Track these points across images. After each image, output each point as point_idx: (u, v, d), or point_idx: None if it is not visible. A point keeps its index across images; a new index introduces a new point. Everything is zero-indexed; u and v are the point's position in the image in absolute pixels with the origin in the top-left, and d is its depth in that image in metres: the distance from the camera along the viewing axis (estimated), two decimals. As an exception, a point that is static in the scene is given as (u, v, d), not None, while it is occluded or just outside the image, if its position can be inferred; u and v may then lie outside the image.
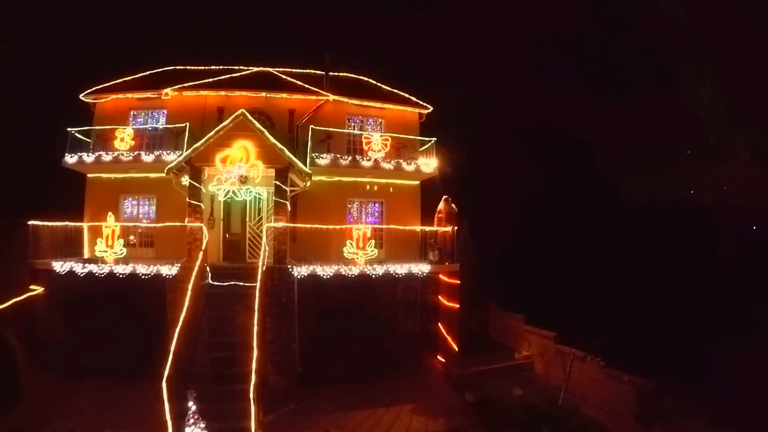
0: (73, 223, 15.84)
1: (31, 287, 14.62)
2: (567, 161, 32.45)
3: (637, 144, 43.07)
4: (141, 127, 17.68)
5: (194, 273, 12.97)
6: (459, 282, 15.38)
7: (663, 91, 41.88)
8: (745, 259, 27.19)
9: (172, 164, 14.46)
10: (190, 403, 9.57)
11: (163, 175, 16.19)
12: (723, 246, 29.27)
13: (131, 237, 16.63)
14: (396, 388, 13.75)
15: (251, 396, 10.39)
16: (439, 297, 15.84)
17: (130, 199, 17.71)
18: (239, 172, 13.98)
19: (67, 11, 29.69)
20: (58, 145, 18.33)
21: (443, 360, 15.41)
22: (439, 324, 15.72)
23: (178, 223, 14.61)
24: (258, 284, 12.68)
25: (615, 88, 43.42)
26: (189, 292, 12.44)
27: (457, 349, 15.15)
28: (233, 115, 14.28)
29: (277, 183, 14.39)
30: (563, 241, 27.30)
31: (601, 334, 14.46)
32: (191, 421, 9.51)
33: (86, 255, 16.23)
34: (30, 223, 14.96)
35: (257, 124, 14.35)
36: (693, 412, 12.14)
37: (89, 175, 17.48)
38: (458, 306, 15.29)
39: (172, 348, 11.22)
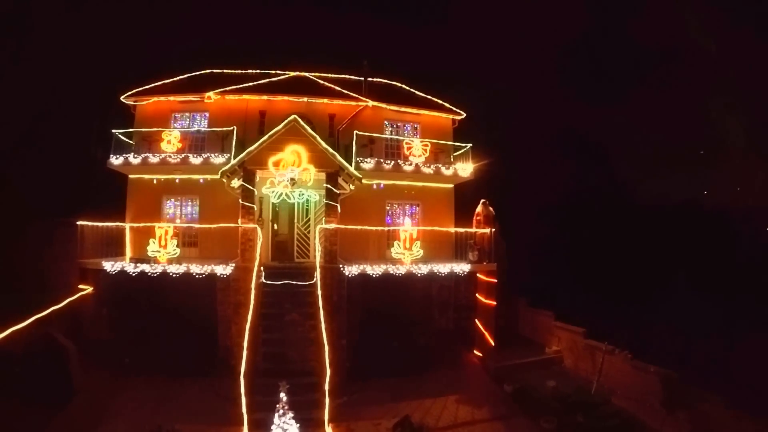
0: (125, 224, 16.70)
1: (80, 286, 15.28)
2: (587, 164, 33.93)
3: (650, 145, 44.46)
4: (187, 129, 18.60)
5: (254, 272, 13.95)
6: (496, 280, 16.65)
7: (676, 92, 43.28)
8: (764, 259, 28.36)
9: (225, 167, 15.47)
10: (282, 395, 10.36)
11: (208, 176, 17.48)
12: (742, 247, 30.44)
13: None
14: (438, 381, 14.97)
15: (326, 388, 11.50)
16: (477, 295, 17.20)
17: (172, 199, 18.63)
18: (291, 176, 14.94)
19: (98, 15, 30.03)
20: (93, 145, 18.98)
21: (480, 354, 16.82)
22: (477, 320, 17.13)
23: (231, 224, 15.49)
24: (319, 283, 13.72)
25: (627, 89, 44.74)
26: (252, 291, 13.53)
27: (493, 344, 16.35)
28: (285, 121, 15.34)
29: (328, 186, 15.55)
30: (588, 241, 28.80)
31: (627, 328, 15.69)
32: (281, 411, 10.31)
33: (128, 255, 16.99)
34: (78, 223, 15.64)
35: (309, 130, 15.45)
36: (713, 399, 13.04)
37: (131, 176, 18.38)
38: (495, 303, 16.55)
39: (245, 344, 12.19)
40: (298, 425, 10.41)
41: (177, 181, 18.14)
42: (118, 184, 18.72)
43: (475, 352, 17.05)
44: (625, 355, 14.94)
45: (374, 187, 18.89)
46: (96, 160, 19.04)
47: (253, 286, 13.66)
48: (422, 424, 11.55)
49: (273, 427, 10.23)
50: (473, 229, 17.40)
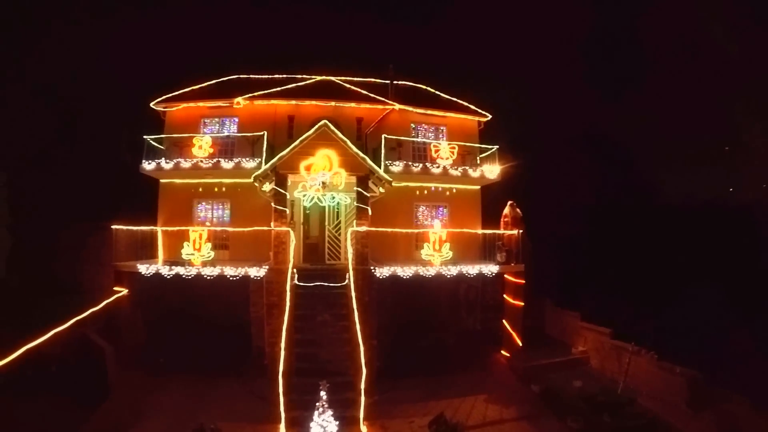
0: (158, 228, 17.37)
1: (115, 288, 16.03)
2: (611, 163, 34.35)
3: (674, 143, 44.38)
4: (218, 134, 19.40)
5: (289, 274, 14.69)
6: (523, 281, 17.34)
7: (700, 86, 43.16)
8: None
9: (258, 172, 16.26)
10: (322, 393, 11.02)
11: (238, 180, 18.03)
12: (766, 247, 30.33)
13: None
14: (467, 381, 15.60)
15: (362, 387, 12.19)
16: (505, 295, 17.90)
17: (204, 203, 19.44)
18: (323, 180, 15.68)
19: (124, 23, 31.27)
20: (123, 151, 19.79)
21: (507, 354, 17.49)
22: (504, 321, 17.80)
23: (264, 227, 16.25)
24: (352, 285, 14.43)
25: (650, 86, 44.74)
26: (288, 293, 14.26)
27: (520, 344, 16.99)
28: (316, 126, 16.08)
29: (359, 190, 16.32)
30: (613, 241, 29.32)
31: (653, 329, 16.13)
32: (321, 409, 10.96)
33: (161, 258, 17.72)
34: (113, 227, 16.40)
35: (339, 134, 16.15)
36: (739, 400, 13.32)
37: (162, 181, 19.24)
38: (522, 304, 17.24)
39: (282, 344, 12.88)
40: (337, 422, 10.98)
41: (208, 185, 19.01)
42: (149, 188, 19.60)
43: (502, 352, 17.72)
44: (651, 355, 15.35)
45: (403, 189, 19.46)
46: (125, 165, 19.90)
47: (288, 287, 14.43)
48: (456, 422, 12.14)
49: (312, 424, 10.83)
50: (501, 231, 18.10)
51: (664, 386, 14.63)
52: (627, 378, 15.16)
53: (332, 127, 16.08)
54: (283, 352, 12.70)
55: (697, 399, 13.81)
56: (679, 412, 13.80)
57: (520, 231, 17.59)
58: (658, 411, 13.99)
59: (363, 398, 12.11)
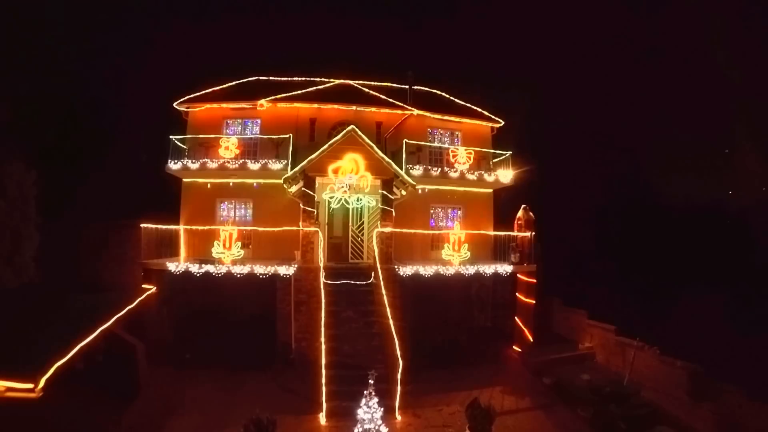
0: (185, 227, 18.53)
1: (144, 286, 16.68)
2: (617, 167, 36.31)
3: (676, 145, 46.27)
4: (243, 136, 20.56)
5: (321, 272, 16.11)
6: (535, 281, 19.03)
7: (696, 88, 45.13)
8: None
9: (288, 174, 17.69)
10: (371, 381, 12.31)
11: (261, 180, 19.44)
12: (761, 251, 32.41)
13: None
14: (482, 374, 17.17)
15: (398, 378, 13.52)
16: (517, 294, 19.55)
17: (226, 202, 20.64)
18: (350, 182, 17.10)
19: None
20: (142, 150, 20.80)
21: (519, 350, 19.15)
22: (516, 318, 19.47)
23: (294, 228, 17.62)
24: (382, 283, 15.88)
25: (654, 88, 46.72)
26: (322, 291, 15.63)
27: (532, 340, 18.72)
28: (344, 131, 17.58)
29: (384, 192, 17.86)
30: (619, 243, 31.24)
31: (656, 325, 17.78)
32: (367, 397, 12.25)
33: (182, 255, 18.56)
34: (142, 225, 17.45)
35: (366, 139, 17.65)
36: (736, 391, 14.56)
37: (185, 180, 20.37)
38: (534, 302, 18.93)
39: (322, 339, 14.30)
40: (382, 409, 11.96)
41: (231, 185, 20.17)
42: (170, 187, 20.75)
43: (514, 347, 19.38)
44: (654, 350, 16.77)
45: (419, 191, 20.76)
46: (144, 164, 20.97)
47: (321, 285, 15.83)
48: (489, 405, 13.53)
49: (359, 411, 11.90)
50: (515, 233, 19.69)
51: (667, 379, 15.95)
52: (632, 372, 16.48)
53: (359, 133, 17.57)
54: (323, 346, 14.01)
55: (698, 390, 15.11)
56: (681, 402, 15.13)
57: (533, 233, 19.23)
58: (661, 402, 15.35)
59: (399, 389, 13.42)
